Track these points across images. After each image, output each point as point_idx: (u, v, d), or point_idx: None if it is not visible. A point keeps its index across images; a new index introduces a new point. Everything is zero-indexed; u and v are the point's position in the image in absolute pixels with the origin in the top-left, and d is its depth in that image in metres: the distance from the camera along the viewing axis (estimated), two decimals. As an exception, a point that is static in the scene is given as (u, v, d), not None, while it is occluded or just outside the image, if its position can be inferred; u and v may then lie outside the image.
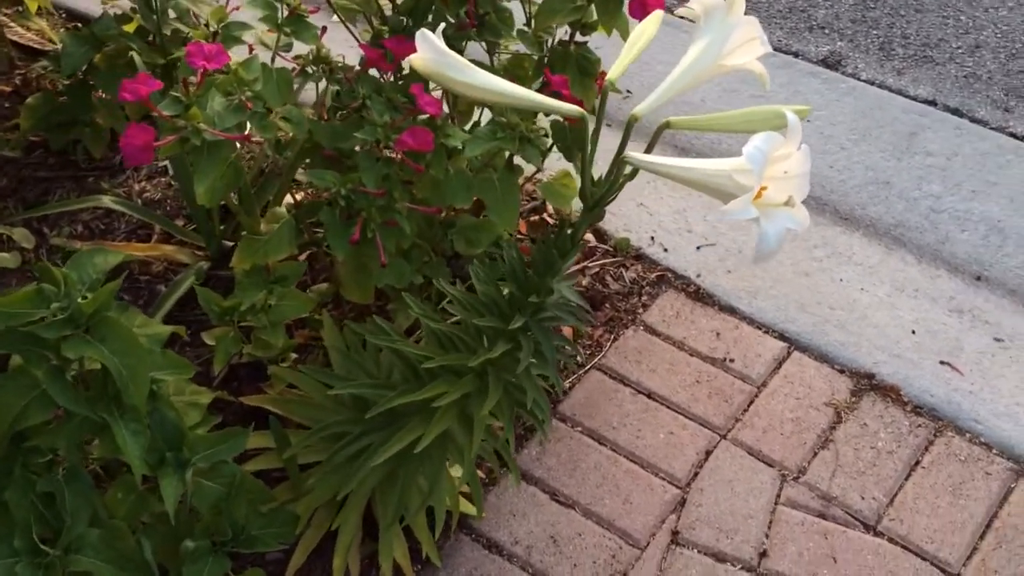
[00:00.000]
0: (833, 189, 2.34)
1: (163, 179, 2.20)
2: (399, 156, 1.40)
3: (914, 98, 2.60)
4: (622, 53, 1.23)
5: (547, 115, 1.60)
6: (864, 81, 2.65)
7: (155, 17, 2.05)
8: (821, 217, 2.28)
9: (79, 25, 2.77)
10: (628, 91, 2.60)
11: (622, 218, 2.22)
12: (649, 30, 1.25)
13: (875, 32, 2.82)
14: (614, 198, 1.25)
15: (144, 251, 1.96)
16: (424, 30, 1.11)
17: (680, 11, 1.29)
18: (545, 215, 2.23)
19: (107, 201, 1.90)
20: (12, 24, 2.64)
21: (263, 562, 1.57)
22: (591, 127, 1.17)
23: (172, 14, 2.10)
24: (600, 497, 1.70)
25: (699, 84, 1.29)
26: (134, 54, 2.03)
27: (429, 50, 1.12)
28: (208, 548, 1.33)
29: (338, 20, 1.71)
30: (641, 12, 1.57)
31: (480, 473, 1.69)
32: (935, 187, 2.34)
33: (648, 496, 1.70)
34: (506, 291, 1.31)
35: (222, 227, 1.96)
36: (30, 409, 1.23)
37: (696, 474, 1.75)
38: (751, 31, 1.23)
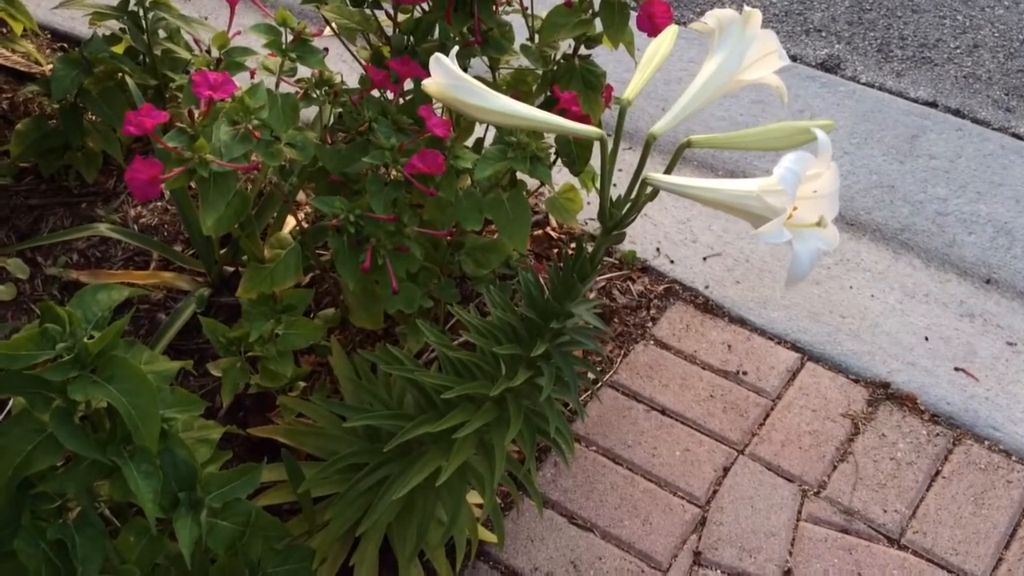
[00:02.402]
0: (838, 194, 2.31)
1: (159, 204, 2.16)
2: (406, 179, 1.36)
3: (915, 100, 2.58)
4: (636, 72, 1.20)
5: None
6: (864, 84, 2.62)
7: (145, 37, 2.02)
8: (826, 223, 2.25)
9: (66, 47, 2.73)
10: (663, 109, 2.58)
11: (630, 229, 2.19)
12: (664, 47, 1.22)
13: (872, 34, 2.80)
14: (634, 219, 1.22)
15: (143, 279, 1.92)
16: (439, 55, 1.08)
17: (693, 25, 1.26)
18: (548, 229, 2.20)
19: (104, 229, 1.86)
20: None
21: (277, 598, 1.53)
22: (610, 147, 1.14)
23: (163, 33, 2.06)
24: (619, 519, 1.67)
25: (717, 99, 1.26)
26: (126, 76, 1.99)
27: (444, 75, 1.09)
28: (224, 590, 1.30)
29: (332, 35, 1.68)
30: (649, 25, 1.54)
31: (496, 498, 1.65)
32: (940, 190, 2.32)
33: (668, 516, 1.67)
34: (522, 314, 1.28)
35: (222, 252, 1.92)
36: (36, 454, 1.19)
37: (715, 492, 1.72)
38: (769, 44, 1.20)
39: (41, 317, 1.18)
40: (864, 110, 2.52)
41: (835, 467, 1.75)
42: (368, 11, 1.65)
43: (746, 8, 1.17)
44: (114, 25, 2.07)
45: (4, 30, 2.56)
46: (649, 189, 1.15)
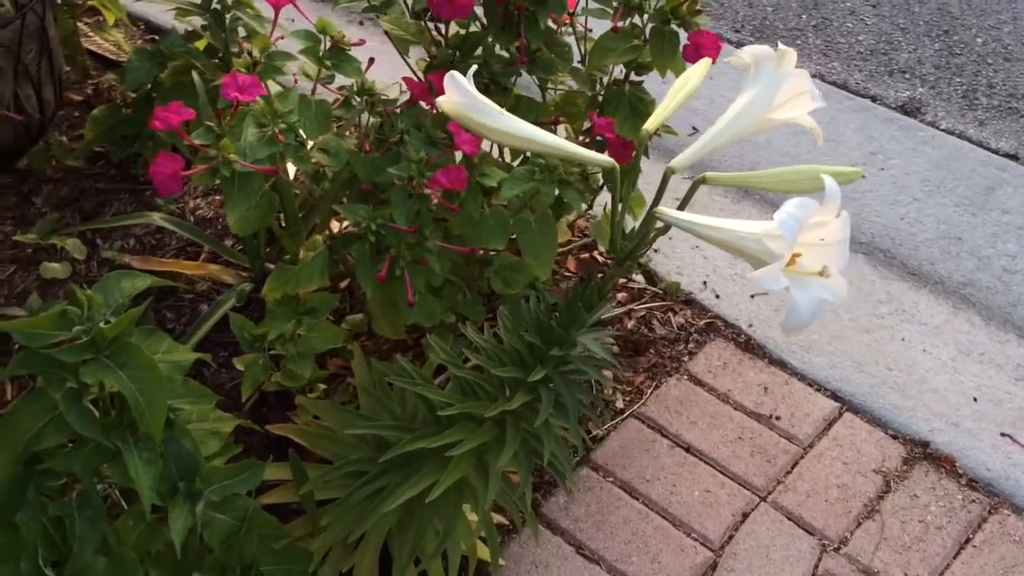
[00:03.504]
0: (903, 242, 2.24)
1: (217, 197, 2.21)
2: (434, 193, 1.37)
3: (995, 151, 2.47)
4: (663, 102, 1.18)
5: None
6: (943, 130, 2.53)
7: (223, 35, 2.07)
8: (888, 271, 2.18)
9: (156, 39, 2.82)
10: (694, 127, 2.55)
11: (675, 260, 2.16)
12: (694, 79, 1.20)
13: (959, 79, 2.71)
14: (645, 252, 1.20)
15: (191, 269, 1.97)
16: (454, 72, 1.08)
17: (730, 59, 1.23)
18: (595, 253, 2.18)
19: (157, 219, 1.92)
20: (91, 34, 2.70)
21: (276, 597, 1.54)
22: (637, 175, 1.12)
23: (242, 32, 2.11)
24: (628, 554, 1.63)
25: (745, 136, 1.23)
26: (194, 73, 2.05)
27: (458, 93, 1.09)
28: (216, 583, 1.31)
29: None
30: (695, 56, 1.52)
31: (503, 519, 1.64)
32: (1011, 246, 2.22)
33: (678, 557, 1.63)
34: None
35: (268, 250, 1.96)
36: (46, 431, 1.23)
37: (731, 537, 1.67)
38: (802, 84, 1.18)
39: (69, 299, 1.22)
40: (940, 157, 2.44)
41: (860, 524, 1.69)
42: (424, 24, 1.67)
43: (781, 46, 1.15)
44: (197, 21, 2.13)
45: (98, 19, 2.67)
46: (660, 224, 1.13)
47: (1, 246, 2.10)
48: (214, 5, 2.04)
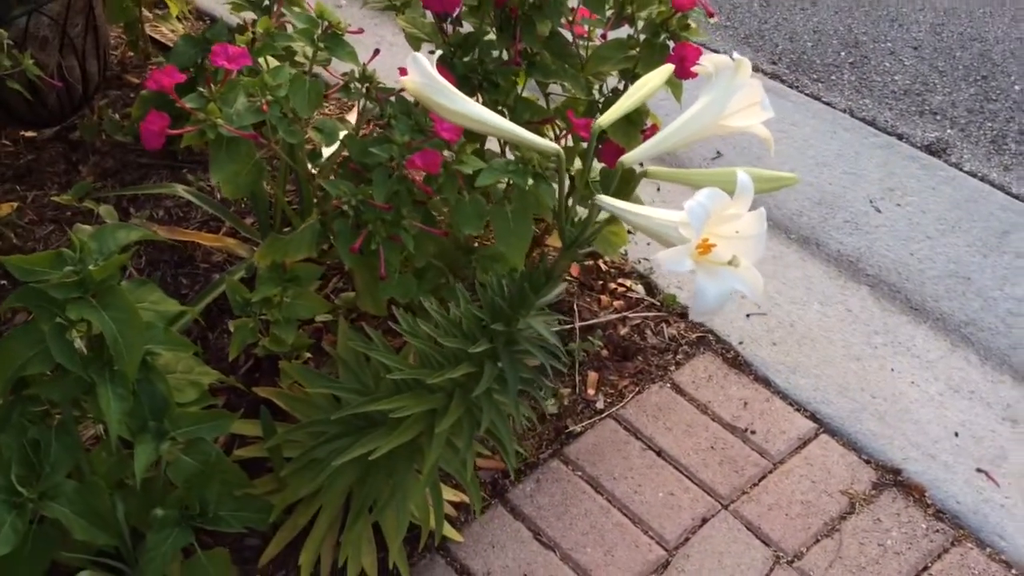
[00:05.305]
0: (909, 277, 2.25)
1: (247, 178, 2.33)
2: (414, 176, 1.45)
3: (1016, 196, 2.46)
4: (620, 100, 1.25)
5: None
6: (966, 172, 2.53)
7: (270, 30, 2.20)
8: (891, 304, 2.19)
9: (215, 31, 2.99)
10: (718, 152, 2.60)
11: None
12: (653, 81, 1.27)
13: (990, 124, 2.70)
14: (592, 238, 1.26)
15: (210, 241, 2.09)
16: (416, 54, 1.17)
17: (696, 68, 1.29)
18: (600, 261, 2.24)
19: (181, 191, 2.04)
20: (157, 24, 2.87)
21: (241, 547, 1.63)
22: (585, 166, 1.19)
23: (289, 28, 2.24)
24: (583, 544, 1.68)
25: (700, 140, 1.29)
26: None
27: (419, 74, 1.17)
28: (176, 519, 1.40)
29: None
30: (681, 68, 1.58)
31: (465, 498, 1.70)
32: (1019, 290, 2.21)
33: (632, 552, 1.68)
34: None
35: (287, 229, 2.06)
36: (34, 360, 1.33)
37: (687, 539, 1.71)
38: (753, 95, 1.23)
39: (71, 244, 1.33)
40: (959, 198, 2.44)
41: (818, 541, 1.71)
42: (438, 23, 1.76)
43: (736, 55, 1.20)
44: (250, 16, 2.27)
45: (166, 10, 2.84)
46: (602, 212, 1.19)
47: (44, 208, 2.25)
48: (265, 2, 2.18)
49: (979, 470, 1.83)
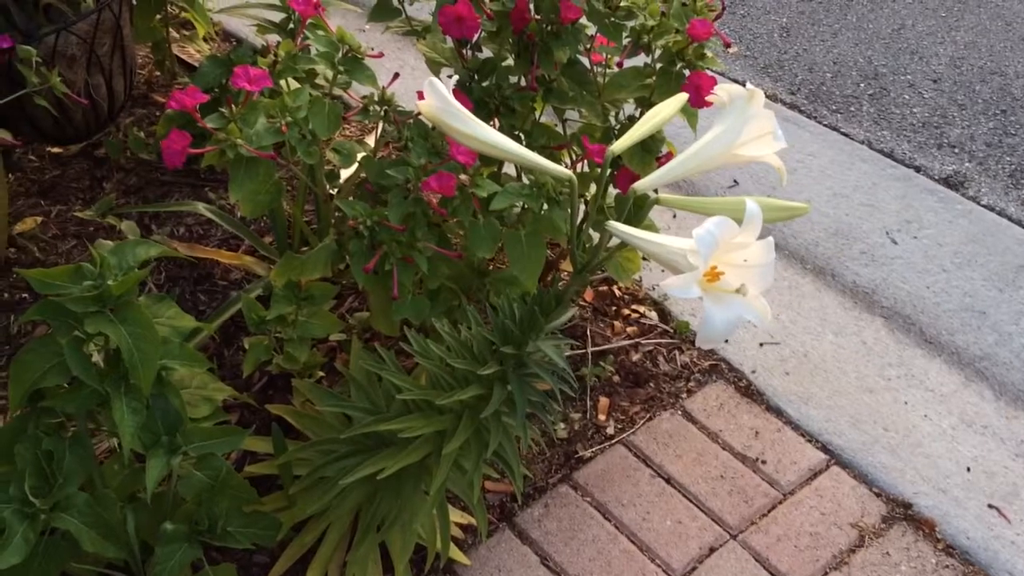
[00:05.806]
0: (924, 310, 2.24)
1: (266, 198, 2.36)
2: (430, 198, 1.47)
3: (1034, 231, 2.46)
4: (632, 129, 1.26)
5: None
6: (983, 206, 2.53)
7: (294, 52, 2.24)
8: (905, 336, 2.18)
9: (240, 54, 3.03)
10: (735, 180, 2.61)
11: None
12: (666, 110, 1.28)
13: (1008, 159, 2.70)
14: (604, 263, 1.27)
15: (228, 259, 2.11)
16: (433, 79, 1.19)
17: (710, 97, 1.30)
18: (615, 287, 2.25)
19: (201, 208, 2.07)
20: (184, 44, 2.92)
21: (248, 563, 1.64)
22: (603, 193, 1.20)
23: (312, 51, 2.28)
24: (590, 571, 1.68)
25: (713, 168, 1.30)
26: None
27: (435, 98, 1.19)
28: (185, 534, 1.41)
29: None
30: (696, 97, 1.59)
31: (472, 521, 1.71)
32: (1035, 325, 2.20)
33: (638, 579, 1.67)
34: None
35: (304, 249, 2.09)
36: (51, 372, 1.35)
37: (694, 568, 1.70)
38: (766, 125, 1.24)
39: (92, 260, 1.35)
40: (976, 232, 2.44)
41: (826, 573, 1.70)
42: (457, 48, 1.79)
43: (749, 85, 1.22)
44: (274, 39, 2.30)
45: (193, 32, 2.89)
46: (613, 238, 1.21)
47: (67, 223, 2.29)
48: (290, 26, 2.22)
49: (991, 506, 1.82)
